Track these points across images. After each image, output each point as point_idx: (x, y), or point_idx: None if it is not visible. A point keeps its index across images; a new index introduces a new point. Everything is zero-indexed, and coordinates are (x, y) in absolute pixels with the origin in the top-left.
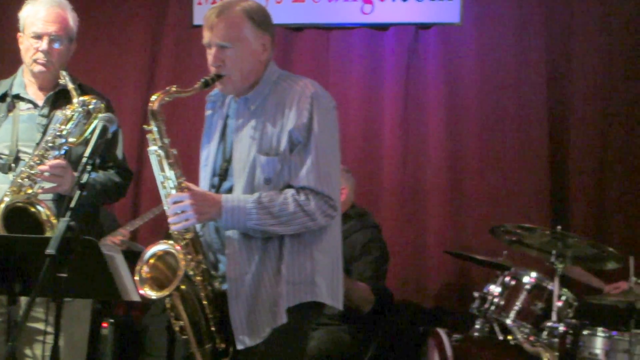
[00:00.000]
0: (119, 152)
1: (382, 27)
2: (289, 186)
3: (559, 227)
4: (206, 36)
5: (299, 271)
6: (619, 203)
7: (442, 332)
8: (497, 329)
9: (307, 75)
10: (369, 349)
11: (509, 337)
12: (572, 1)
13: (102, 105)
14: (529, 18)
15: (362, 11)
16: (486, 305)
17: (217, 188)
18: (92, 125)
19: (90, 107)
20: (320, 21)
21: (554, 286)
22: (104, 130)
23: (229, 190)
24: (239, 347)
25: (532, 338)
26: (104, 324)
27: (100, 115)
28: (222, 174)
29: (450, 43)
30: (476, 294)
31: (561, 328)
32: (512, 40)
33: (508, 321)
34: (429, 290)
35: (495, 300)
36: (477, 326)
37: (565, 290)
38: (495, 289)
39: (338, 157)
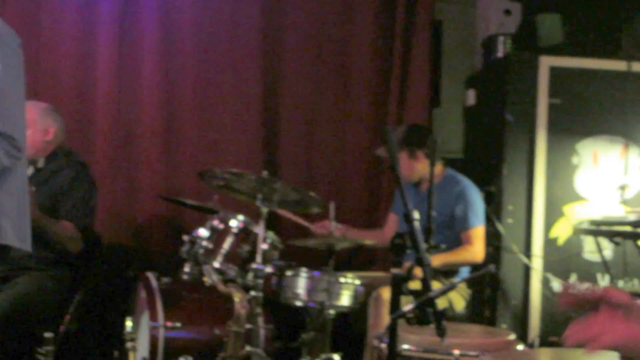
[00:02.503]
0: None
1: None
2: None
3: (264, 172)
4: None
5: None
6: (325, 153)
7: (151, 275)
8: (205, 271)
9: (18, 15)
10: (76, 294)
11: (205, 279)
12: None
13: None
14: None
15: None
16: (195, 249)
17: None
18: None
19: None
20: None
21: (259, 229)
22: None
23: None
24: None
25: (237, 279)
26: None
27: None
28: None
29: None
30: (186, 238)
31: (266, 269)
32: None
33: (216, 264)
34: (141, 234)
35: (204, 243)
36: (186, 269)
37: (271, 233)
38: (204, 233)
39: (23, 97)
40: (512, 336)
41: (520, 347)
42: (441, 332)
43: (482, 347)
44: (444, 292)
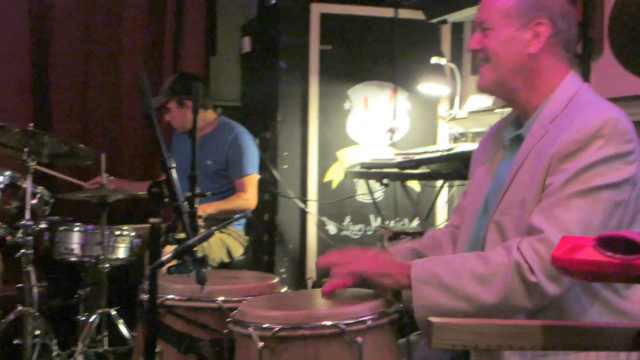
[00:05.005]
0: None
1: None
2: None
3: (30, 125)
4: None
5: None
6: (100, 104)
7: None
8: None
9: None
10: None
11: None
12: None
13: None
14: None
15: None
16: None
17: None
18: None
19: None
20: None
21: (27, 184)
22: None
23: None
24: None
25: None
26: None
27: None
28: None
29: None
30: None
31: (38, 225)
32: None
33: None
34: None
35: None
36: None
37: (41, 188)
38: None
39: None
40: (276, 279)
41: (283, 290)
42: (201, 280)
43: (246, 292)
44: (201, 240)
